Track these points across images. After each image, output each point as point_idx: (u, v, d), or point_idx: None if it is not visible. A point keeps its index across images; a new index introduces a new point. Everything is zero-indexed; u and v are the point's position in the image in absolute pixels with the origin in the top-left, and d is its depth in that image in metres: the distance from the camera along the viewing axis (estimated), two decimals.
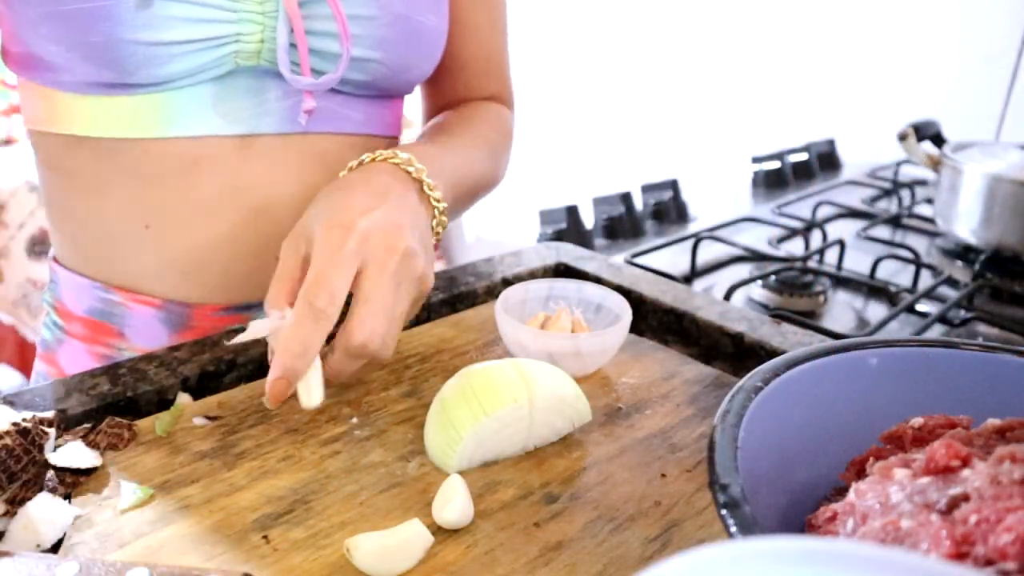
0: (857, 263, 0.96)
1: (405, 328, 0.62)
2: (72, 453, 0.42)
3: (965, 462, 0.29)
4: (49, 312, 0.65)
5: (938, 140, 1.06)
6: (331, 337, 0.45)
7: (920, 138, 1.01)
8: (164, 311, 0.60)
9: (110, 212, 0.58)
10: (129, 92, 0.53)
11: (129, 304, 0.60)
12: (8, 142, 2.09)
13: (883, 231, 1.11)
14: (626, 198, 1.11)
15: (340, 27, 0.54)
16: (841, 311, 0.86)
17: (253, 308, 0.62)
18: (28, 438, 0.41)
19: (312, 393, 0.45)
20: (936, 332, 0.79)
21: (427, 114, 0.75)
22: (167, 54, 0.51)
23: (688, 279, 0.91)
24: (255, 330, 0.45)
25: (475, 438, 0.43)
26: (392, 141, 0.67)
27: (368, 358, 0.46)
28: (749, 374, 0.38)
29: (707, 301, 0.66)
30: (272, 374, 0.43)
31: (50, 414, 0.43)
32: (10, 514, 0.39)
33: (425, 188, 0.52)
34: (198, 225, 0.58)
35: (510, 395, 0.44)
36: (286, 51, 0.54)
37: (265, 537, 0.39)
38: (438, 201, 0.53)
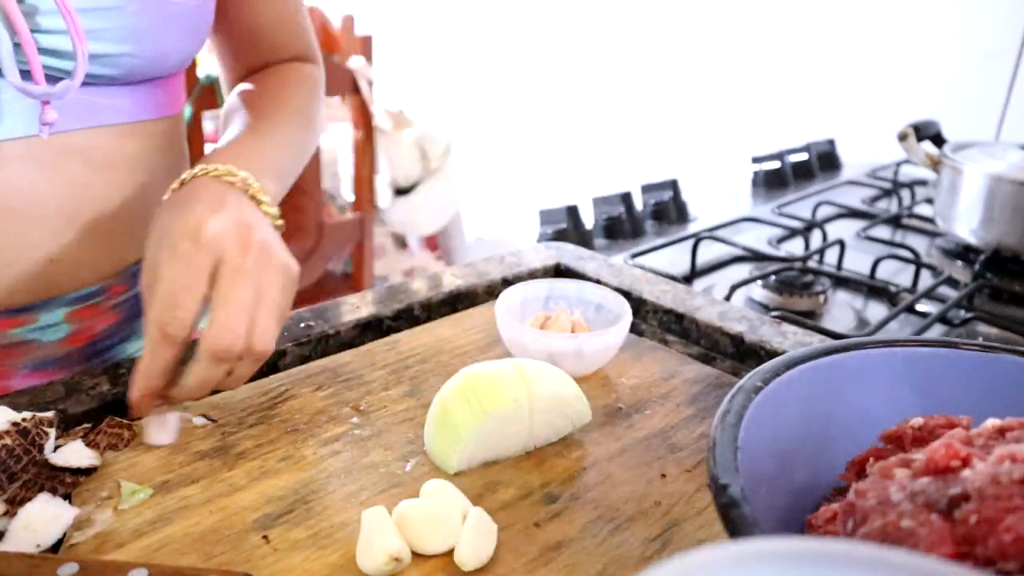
0: (857, 263, 0.95)
1: (401, 329, 0.62)
2: (72, 453, 0.42)
3: (965, 462, 0.29)
4: None
5: (938, 140, 1.06)
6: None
7: (920, 138, 1.01)
8: None
9: None
10: None
11: None
12: None
13: (883, 231, 1.11)
14: (626, 198, 1.11)
15: (68, 23, 0.47)
16: (841, 311, 0.86)
17: (32, 310, 0.55)
18: (28, 438, 0.41)
19: (166, 431, 0.46)
20: (936, 332, 0.79)
21: (231, 82, 0.70)
22: None
23: (688, 279, 0.91)
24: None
25: (475, 438, 0.43)
26: (175, 120, 0.62)
27: (236, 360, 0.45)
28: (749, 374, 0.38)
29: (707, 301, 0.66)
30: (135, 394, 0.44)
31: (50, 414, 0.43)
32: (10, 514, 0.38)
33: (252, 193, 0.50)
34: None
35: (510, 395, 0.44)
36: (12, 57, 0.47)
37: (265, 537, 0.39)
38: (268, 206, 0.50)
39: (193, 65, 1.58)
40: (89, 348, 0.60)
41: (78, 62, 0.48)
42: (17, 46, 0.47)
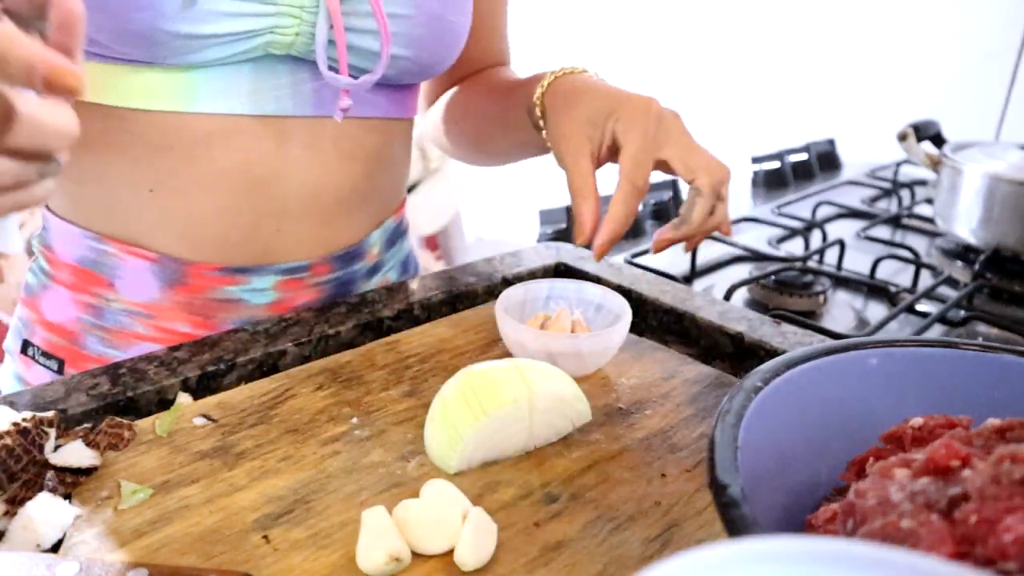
0: (857, 263, 0.95)
1: (401, 329, 0.62)
2: (72, 453, 0.42)
3: (965, 462, 0.29)
4: (38, 257, 0.64)
5: (938, 140, 1.06)
6: None
7: (920, 138, 1.01)
8: (159, 265, 0.59)
9: (112, 175, 0.57)
10: (153, 69, 0.53)
11: (122, 256, 0.59)
12: None
13: (883, 231, 1.11)
14: None
15: (380, 26, 0.54)
16: (841, 311, 0.86)
17: (247, 272, 0.61)
18: (28, 438, 0.41)
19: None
20: (936, 332, 0.79)
21: (433, 92, 0.77)
22: (203, 44, 0.51)
23: (688, 279, 0.91)
24: None
25: (475, 438, 0.43)
26: (409, 123, 0.69)
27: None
28: (749, 374, 0.38)
29: (707, 301, 0.66)
30: (603, 239, 0.57)
31: (50, 414, 0.43)
32: (10, 514, 0.39)
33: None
34: (202, 194, 0.58)
35: (510, 395, 0.44)
36: (324, 49, 0.54)
37: (265, 537, 0.39)
38: None
39: None
40: None
41: (382, 60, 0.55)
42: (330, 43, 0.54)
